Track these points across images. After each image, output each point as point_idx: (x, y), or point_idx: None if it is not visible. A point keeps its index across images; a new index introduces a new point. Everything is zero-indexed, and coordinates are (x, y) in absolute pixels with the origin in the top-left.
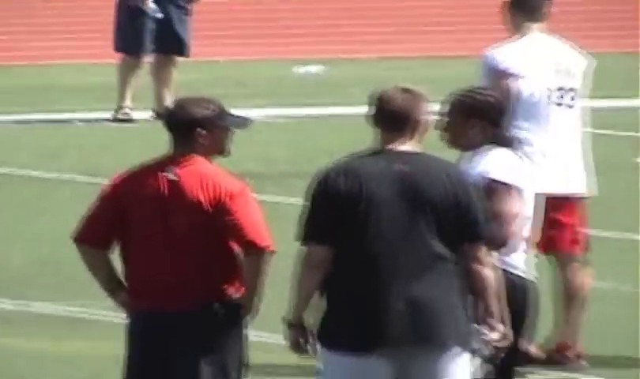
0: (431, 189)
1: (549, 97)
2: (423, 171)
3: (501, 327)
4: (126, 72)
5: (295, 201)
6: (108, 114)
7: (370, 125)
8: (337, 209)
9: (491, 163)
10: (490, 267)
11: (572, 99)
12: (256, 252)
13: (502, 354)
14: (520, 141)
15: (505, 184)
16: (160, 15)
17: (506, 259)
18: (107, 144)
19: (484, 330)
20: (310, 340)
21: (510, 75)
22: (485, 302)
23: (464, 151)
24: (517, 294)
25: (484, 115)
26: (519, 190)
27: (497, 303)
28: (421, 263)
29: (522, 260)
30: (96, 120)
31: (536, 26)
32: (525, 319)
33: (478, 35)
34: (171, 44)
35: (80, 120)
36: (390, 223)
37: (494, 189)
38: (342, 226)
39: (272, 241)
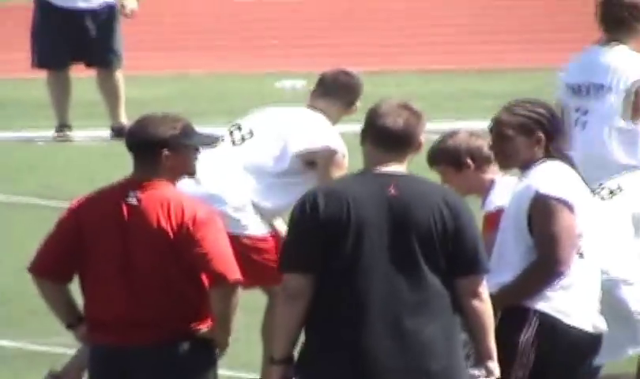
0: (425, 217)
1: None
2: (416, 196)
3: (497, 371)
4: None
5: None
6: (74, 132)
7: (360, 142)
8: (318, 235)
9: (545, 177)
10: (489, 303)
11: None
12: (226, 285)
13: None
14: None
15: (559, 199)
16: None
17: (553, 301)
18: (71, 164)
19: (478, 372)
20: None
21: None
22: (484, 343)
23: (523, 171)
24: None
25: (545, 129)
26: (574, 207)
27: (494, 344)
28: (416, 297)
29: (573, 300)
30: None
31: None
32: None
33: (465, 47)
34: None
35: (42, 139)
36: (381, 252)
37: (548, 205)
38: (325, 254)
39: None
